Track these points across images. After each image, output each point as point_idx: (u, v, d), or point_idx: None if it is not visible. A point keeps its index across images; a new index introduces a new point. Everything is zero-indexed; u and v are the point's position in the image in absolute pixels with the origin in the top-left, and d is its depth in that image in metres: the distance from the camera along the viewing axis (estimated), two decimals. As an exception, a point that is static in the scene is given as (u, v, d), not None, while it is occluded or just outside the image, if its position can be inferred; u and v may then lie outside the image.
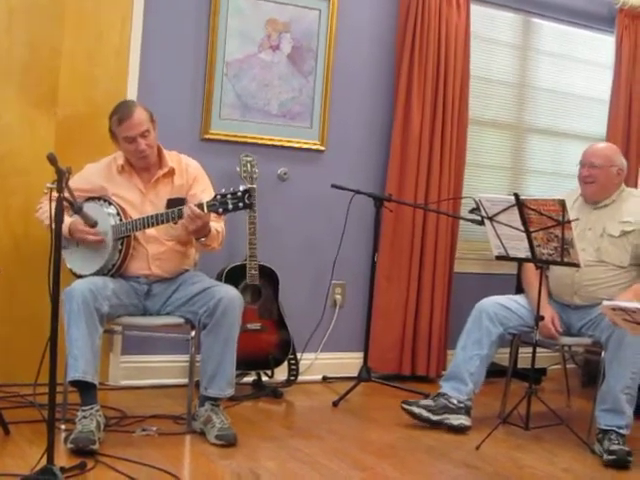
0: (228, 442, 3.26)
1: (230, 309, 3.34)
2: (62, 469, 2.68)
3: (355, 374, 4.31)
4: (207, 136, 4.22)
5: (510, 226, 3.51)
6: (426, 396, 3.91)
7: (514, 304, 3.81)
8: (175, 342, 3.92)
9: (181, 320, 3.47)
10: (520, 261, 3.86)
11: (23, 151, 3.85)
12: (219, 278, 3.96)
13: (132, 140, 3.40)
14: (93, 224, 3.08)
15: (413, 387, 4.38)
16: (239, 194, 3.17)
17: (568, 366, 4.47)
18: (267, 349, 4.15)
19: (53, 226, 2.65)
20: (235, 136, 4.28)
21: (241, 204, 3.17)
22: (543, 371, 4.87)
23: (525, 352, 4.13)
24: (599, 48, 5.33)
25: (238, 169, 4.10)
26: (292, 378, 4.27)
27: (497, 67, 5.08)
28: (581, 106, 5.35)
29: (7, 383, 3.70)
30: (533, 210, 3.42)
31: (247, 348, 3.84)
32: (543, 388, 4.65)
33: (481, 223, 3.73)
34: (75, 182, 3.15)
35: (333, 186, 4.29)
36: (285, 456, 3.23)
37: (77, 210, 2.90)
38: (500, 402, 3.98)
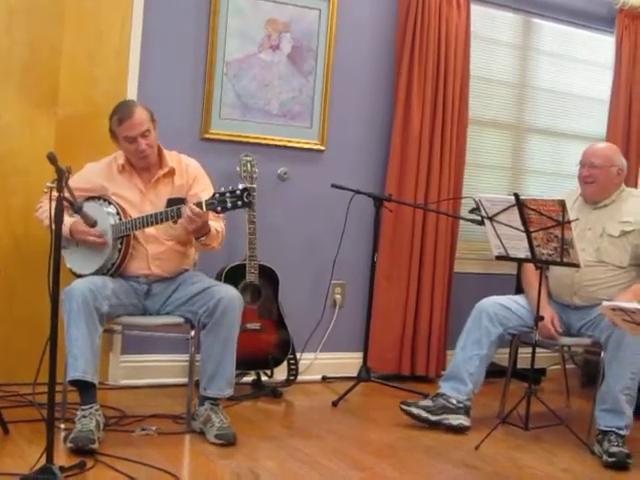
0: (227, 441, 3.26)
1: (230, 309, 3.34)
2: (61, 468, 2.68)
3: (355, 374, 4.31)
4: (207, 136, 4.22)
5: (510, 226, 3.51)
6: (425, 396, 3.91)
7: (514, 304, 3.81)
8: (175, 342, 3.92)
9: (181, 320, 3.47)
10: (520, 261, 3.85)
11: (23, 151, 3.85)
12: (219, 278, 3.96)
13: (132, 140, 3.40)
14: (93, 223, 3.08)
15: (412, 387, 4.38)
16: (238, 192, 3.17)
17: (567, 366, 4.47)
18: (267, 349, 4.15)
19: (53, 226, 2.65)
20: (235, 136, 4.28)
21: (240, 202, 3.17)
22: (543, 371, 4.87)
23: (525, 352, 4.13)
24: (599, 48, 5.33)
25: (238, 169, 4.10)
26: (291, 378, 4.27)
27: (497, 67, 5.08)
28: (581, 106, 5.35)
29: (7, 382, 3.70)
30: (533, 210, 3.42)
31: (247, 348, 3.84)
32: (542, 388, 4.64)
33: (481, 223, 3.73)
34: (75, 181, 3.15)
35: (333, 186, 4.29)
36: (284, 456, 3.23)
37: (77, 209, 2.89)
38: (499, 402, 3.98)
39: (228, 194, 3.18)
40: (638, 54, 5.25)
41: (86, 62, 3.95)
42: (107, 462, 2.94)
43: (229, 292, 3.40)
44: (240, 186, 3.20)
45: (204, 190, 3.45)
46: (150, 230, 3.43)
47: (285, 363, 4.24)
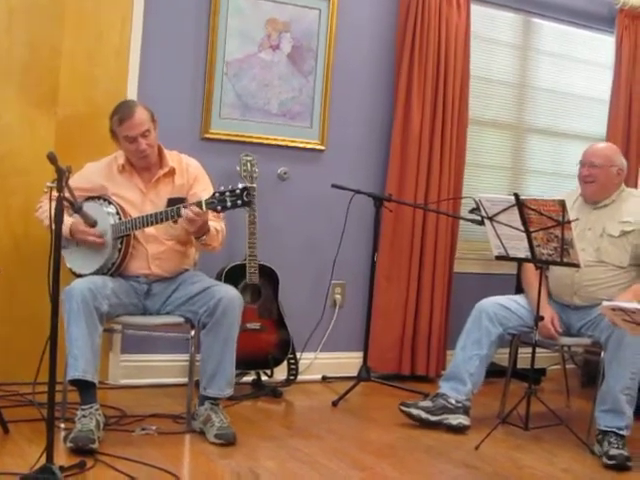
0: (227, 441, 3.26)
1: (230, 309, 3.34)
2: (61, 468, 2.68)
3: (355, 374, 4.31)
4: (207, 135, 4.22)
5: (510, 226, 3.51)
6: (425, 396, 3.91)
7: (514, 304, 3.81)
8: (175, 341, 3.92)
9: (181, 319, 3.47)
10: (520, 261, 3.85)
11: (23, 151, 3.85)
12: (219, 277, 3.96)
13: (133, 140, 3.40)
14: (93, 223, 3.08)
15: (413, 387, 4.38)
16: (237, 192, 3.17)
17: (567, 366, 4.47)
18: (267, 349, 4.15)
19: (53, 226, 2.65)
20: (235, 136, 4.28)
21: (239, 202, 3.17)
22: (543, 371, 4.87)
23: (525, 352, 4.13)
24: (599, 48, 5.33)
25: (238, 169, 4.10)
26: (291, 378, 4.27)
27: (497, 67, 5.08)
28: (581, 106, 5.35)
29: (6, 382, 3.70)
30: (533, 210, 3.42)
31: (247, 348, 3.84)
32: (542, 388, 4.64)
33: (481, 223, 3.73)
34: (75, 181, 3.15)
35: (333, 186, 4.29)
36: (284, 455, 3.23)
37: (77, 209, 2.90)
38: (499, 402, 3.98)
39: (228, 193, 3.18)
40: (638, 54, 5.25)
41: (86, 62, 3.95)
42: (107, 462, 2.94)
43: (229, 292, 3.40)
44: (240, 185, 3.20)
45: (204, 190, 3.45)
46: (150, 230, 3.43)
47: (285, 363, 4.24)
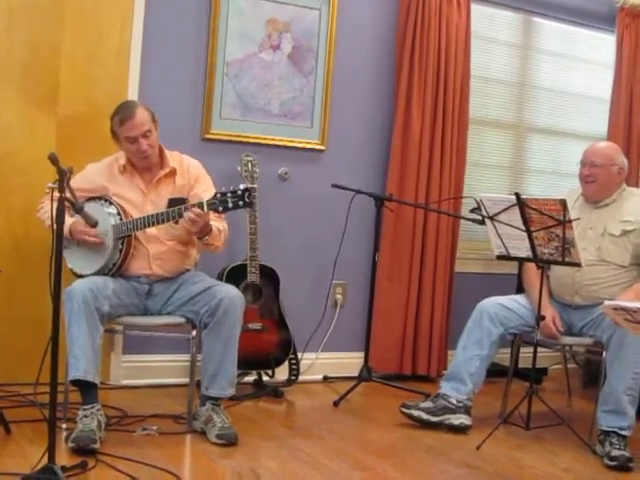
0: (229, 441, 3.26)
1: (231, 309, 3.34)
2: (63, 468, 2.68)
3: (356, 374, 4.31)
4: (208, 136, 4.22)
5: (511, 226, 3.51)
6: (427, 396, 3.91)
7: (515, 304, 3.81)
8: (176, 342, 3.92)
9: (182, 320, 3.47)
10: (521, 261, 3.85)
11: (24, 151, 3.85)
12: (220, 278, 3.96)
13: (134, 140, 3.40)
14: (94, 224, 3.08)
15: (414, 387, 4.38)
16: (239, 192, 3.17)
17: (569, 366, 4.47)
18: (268, 349, 4.15)
19: (54, 226, 2.65)
20: (236, 136, 4.28)
21: (241, 202, 3.17)
22: (544, 371, 4.87)
23: (526, 352, 4.13)
24: (600, 47, 5.33)
25: (239, 169, 4.10)
26: (293, 378, 4.27)
27: (497, 66, 5.08)
28: (582, 105, 5.35)
29: (8, 382, 3.70)
30: (534, 209, 3.42)
31: (248, 348, 3.84)
32: (544, 388, 4.65)
33: (482, 223, 3.73)
34: (76, 182, 3.15)
35: (334, 186, 4.29)
36: (286, 456, 3.23)
37: (78, 210, 2.90)
38: (501, 402, 3.98)
39: (229, 194, 3.18)
40: (639, 53, 5.25)
41: (86, 62, 3.95)
42: (108, 462, 2.94)
43: (230, 292, 3.40)
44: (241, 186, 3.20)
45: (206, 190, 3.45)
46: (151, 230, 3.43)
47: (286, 363, 4.24)
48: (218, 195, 3.19)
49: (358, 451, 3.39)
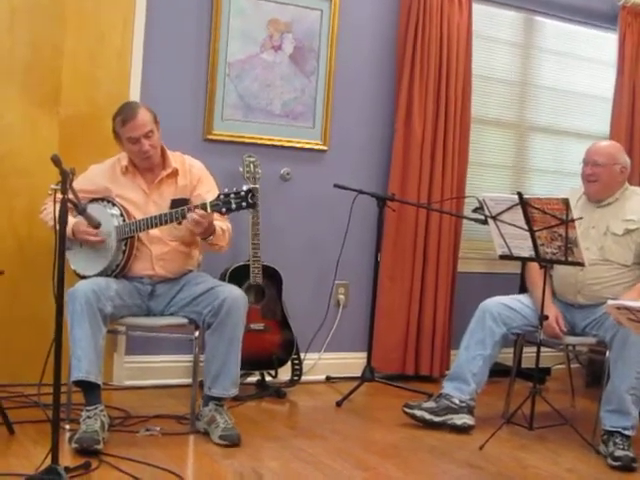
0: (232, 442, 3.26)
1: (234, 309, 3.34)
2: (66, 469, 2.68)
3: (359, 374, 4.31)
4: (210, 137, 4.22)
5: (514, 225, 3.51)
6: (429, 396, 3.91)
7: (518, 304, 3.81)
8: (179, 342, 3.93)
9: (185, 320, 3.47)
10: (524, 260, 3.85)
11: (26, 152, 3.85)
12: (222, 278, 3.96)
13: (136, 141, 3.40)
14: (97, 225, 3.08)
15: (416, 387, 4.37)
16: (242, 194, 3.17)
17: (572, 366, 4.46)
18: (270, 349, 4.15)
19: (57, 227, 2.66)
20: (238, 136, 4.28)
21: (244, 204, 3.18)
22: (547, 371, 4.87)
23: (529, 352, 4.13)
24: (602, 46, 5.33)
25: (241, 169, 4.10)
26: (295, 378, 4.27)
27: (499, 65, 5.08)
28: (584, 104, 5.35)
29: (11, 383, 3.70)
30: (537, 209, 3.41)
31: (251, 348, 3.83)
32: (547, 388, 4.64)
33: (484, 222, 3.73)
34: (79, 183, 3.15)
35: (336, 186, 4.29)
36: (288, 456, 3.23)
37: (81, 211, 2.90)
38: (504, 402, 3.97)
39: (232, 195, 3.18)
40: (641, 51, 5.25)
41: (88, 62, 3.96)
42: (112, 462, 2.94)
43: (233, 292, 3.40)
44: (244, 187, 3.20)
45: (209, 191, 3.44)
46: (154, 231, 3.43)
47: (289, 363, 4.24)
48: (221, 196, 3.20)
49: (361, 451, 3.39)
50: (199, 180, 3.57)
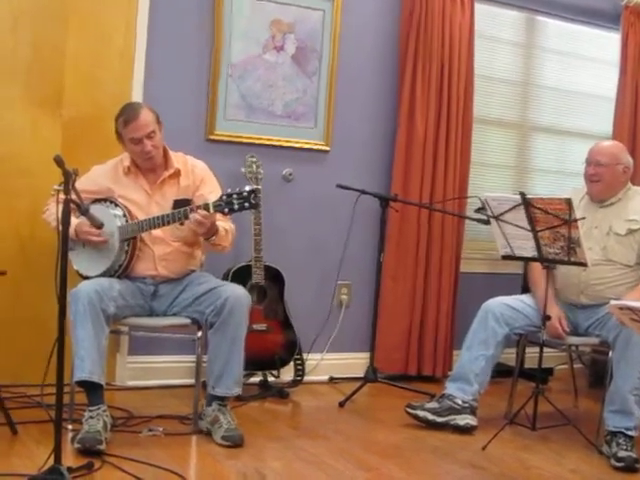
0: (234, 443, 3.26)
1: (237, 307, 3.34)
2: (69, 469, 2.69)
3: (361, 374, 4.31)
4: (212, 137, 4.22)
5: (516, 225, 3.50)
6: (432, 397, 3.90)
7: (520, 304, 3.80)
8: (181, 342, 3.93)
9: (187, 321, 3.47)
10: (526, 260, 3.85)
11: (29, 153, 3.86)
12: (225, 278, 3.95)
13: (138, 141, 3.40)
14: (99, 225, 3.08)
15: (419, 387, 4.37)
16: (245, 194, 3.17)
17: (575, 366, 4.46)
18: (273, 349, 4.15)
19: (60, 228, 2.66)
20: (240, 137, 4.28)
21: (247, 204, 3.18)
22: (550, 371, 4.86)
23: (532, 352, 4.12)
24: (605, 45, 5.32)
25: (243, 170, 4.11)
26: (298, 378, 4.27)
27: (501, 65, 5.08)
28: (587, 104, 5.34)
29: (14, 383, 3.70)
30: (539, 209, 3.41)
31: (253, 349, 3.83)
32: (550, 388, 4.63)
33: (487, 222, 3.73)
34: (82, 184, 3.15)
35: (338, 186, 4.29)
36: (291, 456, 3.24)
37: (84, 212, 2.90)
38: (506, 402, 3.97)
39: (235, 196, 3.18)
40: (644, 51, 5.24)
41: (90, 64, 3.96)
42: (114, 463, 2.94)
43: (236, 291, 3.40)
44: (247, 187, 3.20)
45: (211, 192, 3.44)
46: (156, 231, 3.43)
47: (292, 364, 4.24)
48: (224, 197, 3.20)
49: (363, 451, 3.39)
50: (202, 180, 3.57)
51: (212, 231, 3.33)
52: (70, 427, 3.29)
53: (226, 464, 3.10)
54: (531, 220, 3.46)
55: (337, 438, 3.53)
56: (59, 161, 2.65)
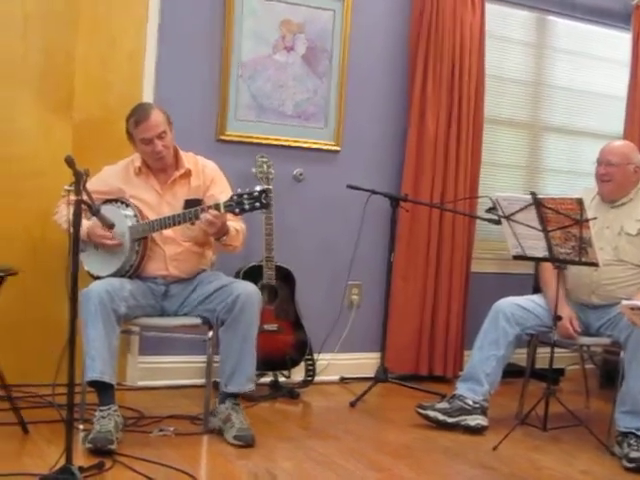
0: (246, 443, 3.26)
1: (248, 304, 3.34)
2: (81, 469, 2.69)
3: (372, 374, 4.31)
4: (223, 137, 4.23)
5: (527, 225, 3.50)
6: (443, 397, 3.90)
7: (531, 304, 3.80)
8: (192, 343, 3.93)
9: (198, 321, 3.47)
10: (538, 260, 3.84)
11: (41, 155, 3.87)
12: (236, 278, 3.96)
13: (149, 142, 3.41)
14: (110, 226, 3.09)
15: (430, 388, 4.37)
16: (255, 194, 3.18)
17: (586, 366, 4.45)
18: (284, 350, 4.15)
19: (71, 229, 2.67)
20: (251, 137, 4.29)
21: (258, 204, 3.18)
22: (561, 371, 4.85)
23: (543, 352, 4.11)
24: (615, 45, 5.30)
25: (254, 170, 4.11)
26: (309, 379, 4.27)
27: (512, 65, 5.07)
28: (598, 104, 5.32)
29: (24, 383, 3.71)
30: (550, 209, 3.40)
31: (264, 349, 3.83)
32: (561, 389, 4.62)
33: (498, 223, 3.72)
34: (93, 184, 3.16)
35: (349, 186, 4.29)
36: (302, 456, 3.24)
37: (95, 212, 2.91)
38: (518, 403, 3.96)
39: (246, 196, 3.19)
40: (655, 51, 5.22)
41: (100, 67, 3.97)
42: (125, 462, 2.95)
43: (247, 288, 3.40)
44: (258, 188, 3.20)
45: (222, 192, 3.44)
46: (167, 231, 3.44)
47: (302, 364, 4.24)
48: (235, 197, 3.20)
49: (374, 452, 3.39)
50: (212, 181, 3.57)
51: (223, 231, 3.33)
52: (81, 427, 3.30)
53: (237, 464, 3.10)
54: (542, 220, 3.45)
55: (348, 438, 3.53)
56: (70, 161, 2.66)
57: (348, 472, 3.11)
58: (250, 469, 3.05)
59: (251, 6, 4.22)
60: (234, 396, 3.40)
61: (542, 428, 3.56)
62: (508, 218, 3.56)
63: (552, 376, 3.70)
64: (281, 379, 4.24)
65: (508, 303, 3.78)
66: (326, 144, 4.48)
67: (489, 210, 3.84)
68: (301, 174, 4.41)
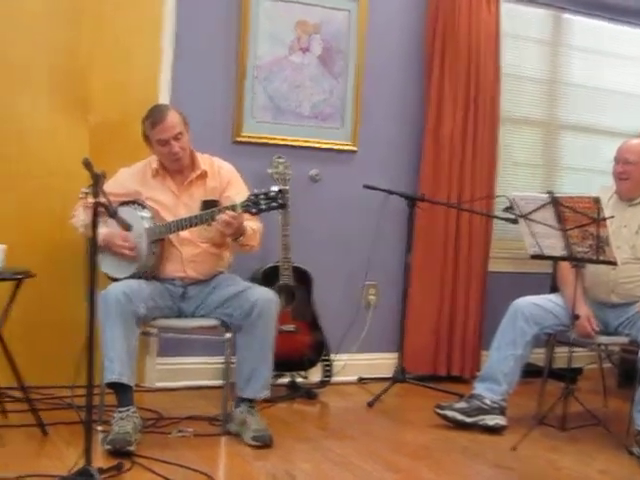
0: (264, 443, 3.27)
1: (266, 311, 3.35)
2: (99, 470, 2.71)
3: (390, 375, 4.30)
4: (239, 139, 4.23)
5: (545, 224, 3.48)
6: (461, 397, 3.89)
7: (549, 303, 3.78)
8: (210, 344, 3.94)
9: (216, 322, 3.48)
10: (555, 260, 3.82)
11: (58, 157, 3.88)
12: (253, 279, 3.96)
13: (165, 143, 3.43)
14: (128, 228, 3.10)
15: (448, 388, 4.35)
16: (272, 194, 3.18)
17: (604, 365, 4.42)
18: (301, 350, 4.15)
19: (89, 232, 2.68)
20: (267, 138, 4.29)
21: (274, 204, 3.19)
22: (579, 371, 4.82)
23: (561, 352, 4.09)
24: (631, 42, 5.27)
25: (270, 171, 4.11)
26: (326, 379, 4.27)
27: (528, 64, 5.05)
28: (615, 101, 5.29)
29: (43, 385, 3.74)
30: (568, 208, 3.39)
31: (281, 349, 3.82)
32: (579, 388, 4.59)
33: (515, 222, 3.71)
34: (109, 187, 3.17)
35: (365, 186, 4.29)
36: (319, 457, 3.24)
37: (112, 214, 2.92)
38: (536, 402, 3.94)
39: (262, 196, 3.19)
40: (672, 48, 5.18)
41: (117, 69, 3.98)
42: (144, 464, 2.96)
43: (265, 294, 3.40)
44: (274, 188, 3.21)
45: (238, 193, 3.43)
46: (184, 233, 3.45)
47: (320, 364, 4.24)
48: (251, 197, 3.21)
49: (392, 452, 3.38)
50: (228, 182, 3.58)
51: (240, 232, 3.34)
52: (100, 428, 3.31)
53: (255, 465, 3.11)
54: (560, 219, 3.43)
55: (365, 439, 3.52)
56: (87, 164, 2.67)
57: (366, 473, 3.10)
58: (268, 470, 3.05)
59: (266, 7, 4.23)
60: (249, 400, 3.41)
61: (560, 428, 3.55)
62: (525, 217, 3.55)
63: (570, 375, 3.68)
64: (299, 380, 4.24)
65: (526, 302, 3.77)
66: (343, 144, 4.48)
67: (506, 209, 3.82)
68: (318, 174, 4.42)
